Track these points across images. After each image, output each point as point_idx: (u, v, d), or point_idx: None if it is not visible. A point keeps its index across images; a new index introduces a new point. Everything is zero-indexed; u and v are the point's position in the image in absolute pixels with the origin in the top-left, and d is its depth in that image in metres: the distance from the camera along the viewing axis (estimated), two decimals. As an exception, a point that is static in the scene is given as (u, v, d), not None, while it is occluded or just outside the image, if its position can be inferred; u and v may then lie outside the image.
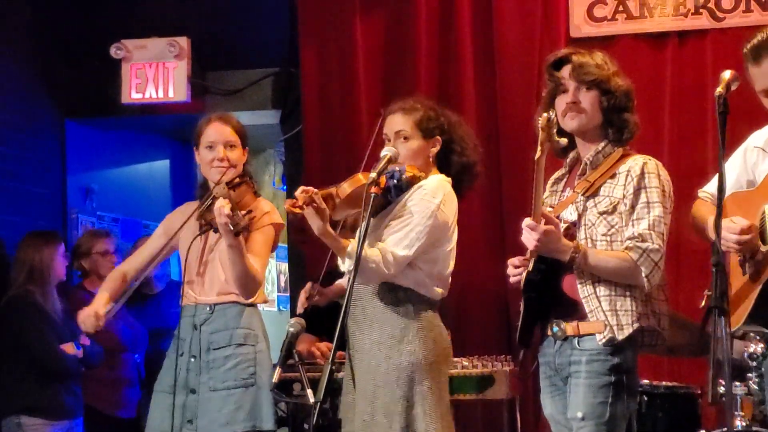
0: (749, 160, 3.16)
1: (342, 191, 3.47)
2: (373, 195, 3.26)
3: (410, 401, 3.48)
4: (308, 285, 3.73)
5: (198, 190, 4.02)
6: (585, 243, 3.13)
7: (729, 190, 3.17)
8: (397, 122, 3.64)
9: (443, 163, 3.70)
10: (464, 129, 3.78)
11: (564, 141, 3.15)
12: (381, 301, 3.55)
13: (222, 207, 3.60)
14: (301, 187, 3.41)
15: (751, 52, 3.03)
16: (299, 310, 3.69)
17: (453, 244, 3.65)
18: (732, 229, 2.96)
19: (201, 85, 5.94)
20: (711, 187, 3.29)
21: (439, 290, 3.61)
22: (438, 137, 3.67)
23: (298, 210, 3.36)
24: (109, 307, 3.98)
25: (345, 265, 3.43)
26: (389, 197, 3.56)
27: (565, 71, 3.24)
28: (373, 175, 3.30)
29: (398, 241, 3.49)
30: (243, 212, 3.63)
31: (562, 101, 3.23)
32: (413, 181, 3.56)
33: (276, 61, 5.91)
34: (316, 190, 3.40)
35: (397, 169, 3.50)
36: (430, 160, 3.67)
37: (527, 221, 3.06)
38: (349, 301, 3.00)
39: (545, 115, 3.05)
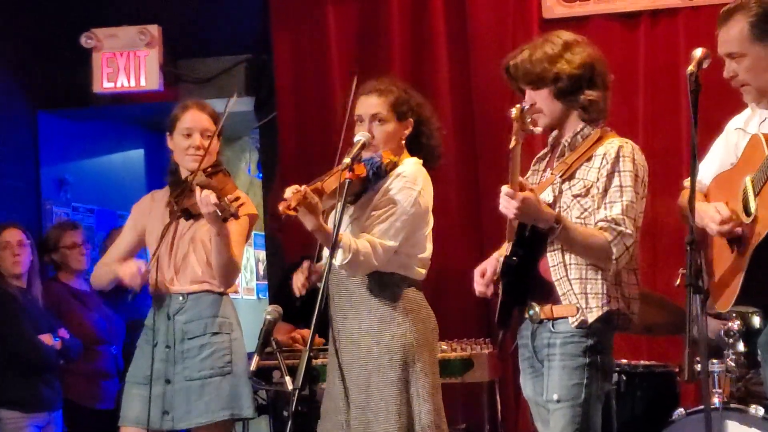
0: (731, 141, 3.16)
1: (328, 186, 3.44)
2: (348, 181, 3.25)
3: (405, 383, 3.47)
4: (305, 264, 3.59)
5: (169, 176, 3.97)
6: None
7: (715, 173, 3.17)
8: (373, 104, 3.59)
9: (412, 146, 3.68)
10: (429, 110, 3.75)
11: (538, 130, 3.16)
12: (367, 288, 3.53)
13: (208, 195, 3.57)
14: (292, 187, 3.34)
15: (719, 17, 3.05)
16: (299, 292, 3.55)
17: (430, 227, 3.65)
18: (714, 219, 2.98)
19: (173, 73, 5.90)
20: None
21: (422, 270, 3.61)
22: (410, 119, 3.65)
23: (293, 212, 3.31)
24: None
25: (338, 258, 3.38)
26: (368, 185, 3.54)
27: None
28: (347, 160, 3.29)
29: (384, 231, 3.49)
30: (230, 197, 3.60)
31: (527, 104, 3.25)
32: (390, 167, 3.54)
33: (248, 47, 5.87)
34: (305, 187, 3.35)
35: (375, 156, 3.48)
36: (402, 142, 3.65)
37: (505, 188, 3.02)
38: (326, 288, 2.99)
39: (518, 105, 3.05)
